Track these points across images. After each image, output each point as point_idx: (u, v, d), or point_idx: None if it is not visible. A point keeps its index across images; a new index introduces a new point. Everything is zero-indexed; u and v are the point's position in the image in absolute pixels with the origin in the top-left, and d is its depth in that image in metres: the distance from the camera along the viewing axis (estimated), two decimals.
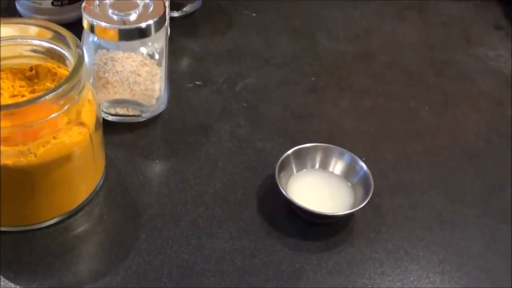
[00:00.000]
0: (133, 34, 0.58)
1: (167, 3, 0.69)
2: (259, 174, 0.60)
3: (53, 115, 0.48)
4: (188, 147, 0.62)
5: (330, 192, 0.57)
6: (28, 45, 0.55)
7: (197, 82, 0.69)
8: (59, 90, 0.48)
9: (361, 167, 0.57)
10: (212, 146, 0.62)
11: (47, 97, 0.47)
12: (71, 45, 0.52)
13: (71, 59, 0.52)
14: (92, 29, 0.58)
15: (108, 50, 0.61)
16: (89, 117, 0.52)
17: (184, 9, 0.79)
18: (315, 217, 0.55)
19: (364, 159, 0.59)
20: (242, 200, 0.57)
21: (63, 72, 0.55)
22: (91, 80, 0.61)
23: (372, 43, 0.79)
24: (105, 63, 0.61)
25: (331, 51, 0.77)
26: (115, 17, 0.58)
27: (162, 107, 0.65)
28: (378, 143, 0.65)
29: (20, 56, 0.56)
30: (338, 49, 0.78)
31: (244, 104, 0.68)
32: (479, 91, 0.74)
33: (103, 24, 0.58)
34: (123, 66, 0.61)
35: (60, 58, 0.55)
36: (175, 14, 0.78)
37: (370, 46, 0.78)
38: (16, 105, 0.47)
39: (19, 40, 0.55)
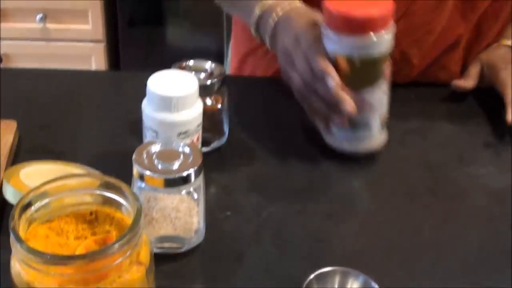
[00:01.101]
0: (177, 182, 0.69)
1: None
2: None
3: (119, 260, 0.57)
4: (224, 274, 0.71)
5: None
6: (91, 195, 0.64)
7: (227, 213, 0.80)
8: (124, 239, 0.57)
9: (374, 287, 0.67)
10: (244, 272, 0.72)
11: (115, 247, 0.56)
12: (129, 197, 0.61)
13: (128, 208, 0.61)
14: (141, 177, 0.69)
15: (148, 190, 0.71)
16: (145, 256, 0.60)
17: (212, 145, 0.90)
18: None
19: (375, 280, 0.68)
20: None
21: (120, 216, 0.63)
22: None
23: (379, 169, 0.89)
24: (148, 201, 0.71)
25: (342, 179, 0.88)
26: (160, 166, 0.69)
27: (200, 238, 0.75)
28: (388, 261, 0.75)
29: (82, 203, 0.64)
30: (348, 177, 0.88)
31: (270, 232, 0.78)
32: (473, 207, 0.84)
33: (149, 173, 0.69)
34: (164, 203, 0.72)
35: (117, 205, 0.63)
36: (204, 149, 0.87)
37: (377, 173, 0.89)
38: (90, 256, 0.56)
39: (83, 191, 0.64)
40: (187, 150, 0.71)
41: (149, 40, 2.35)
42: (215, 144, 0.90)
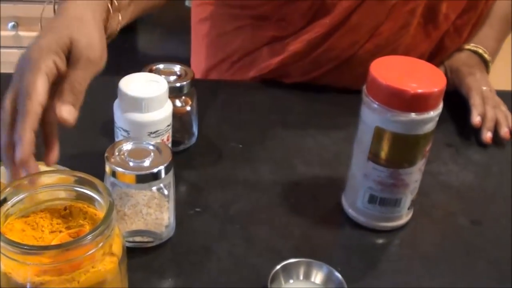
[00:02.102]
0: (147, 178, 0.71)
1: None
2: (254, 286, 0.72)
3: (92, 250, 0.59)
4: (193, 266, 0.74)
5: None
6: (65, 190, 0.66)
7: (197, 209, 0.83)
8: (97, 231, 0.58)
9: (337, 277, 0.71)
10: (213, 264, 0.75)
11: (88, 238, 0.58)
12: (103, 192, 0.64)
13: (102, 202, 0.64)
14: (113, 174, 0.72)
15: (121, 187, 0.74)
16: (117, 247, 0.63)
17: (181, 145, 0.92)
18: None
19: (339, 269, 0.72)
20: None
21: (93, 211, 0.65)
22: None
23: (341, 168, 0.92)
24: (121, 198, 0.74)
25: (307, 175, 0.91)
26: (131, 164, 0.72)
27: (171, 233, 0.77)
28: (350, 253, 0.79)
29: (57, 199, 0.66)
30: (313, 173, 0.92)
31: (237, 226, 0.81)
32: (433, 203, 0.88)
33: (120, 170, 0.71)
34: (136, 200, 0.74)
35: (90, 200, 0.65)
36: (174, 149, 0.89)
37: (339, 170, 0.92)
38: (64, 246, 0.58)
39: (57, 187, 0.66)
40: (157, 148, 0.74)
41: (120, 46, 2.36)
42: (184, 144, 0.93)
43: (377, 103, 0.75)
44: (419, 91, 0.72)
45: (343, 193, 0.85)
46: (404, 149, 0.77)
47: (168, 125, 0.83)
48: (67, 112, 0.70)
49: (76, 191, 0.66)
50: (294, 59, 1.07)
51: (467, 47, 1.11)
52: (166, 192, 0.74)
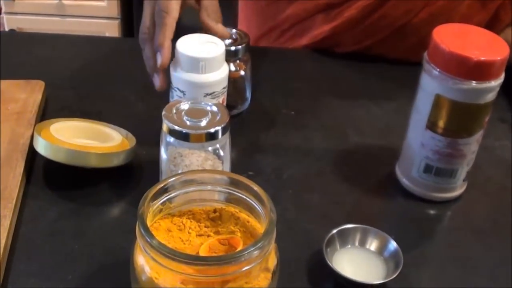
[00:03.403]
0: (204, 137, 0.71)
1: None
2: (307, 251, 0.72)
3: (250, 266, 0.54)
4: None
5: (368, 265, 0.69)
6: (217, 191, 0.62)
7: (250, 173, 0.82)
8: (257, 246, 0.53)
9: (393, 245, 0.70)
10: None
11: (247, 253, 0.53)
12: (266, 203, 0.58)
13: (260, 212, 0.59)
14: (170, 132, 0.71)
15: (176, 146, 0.74)
16: (272, 262, 0.58)
17: (234, 110, 0.92)
18: (356, 286, 0.67)
19: (393, 236, 0.71)
20: (294, 272, 0.69)
21: (244, 217, 0.62)
22: (164, 175, 0.74)
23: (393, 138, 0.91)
24: (174, 157, 0.74)
25: (358, 144, 0.91)
26: (188, 123, 0.72)
27: None
28: (402, 222, 0.78)
29: (207, 200, 0.63)
30: (365, 142, 0.91)
31: (290, 191, 0.81)
32: (486, 177, 0.87)
33: (177, 128, 0.71)
34: (190, 161, 0.74)
35: (243, 205, 0.61)
36: None
37: (391, 140, 0.91)
38: (223, 260, 0.53)
39: (210, 187, 0.62)
40: (214, 108, 0.73)
41: None
42: (237, 109, 0.93)
43: (438, 69, 0.73)
44: (482, 58, 0.71)
45: (397, 163, 0.84)
46: (463, 118, 0.75)
47: (224, 87, 0.82)
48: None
49: (229, 194, 0.62)
50: (347, 26, 1.06)
51: None
52: (222, 153, 0.74)
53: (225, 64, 0.82)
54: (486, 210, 0.82)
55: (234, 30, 0.91)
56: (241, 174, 0.80)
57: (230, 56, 0.86)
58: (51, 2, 2.30)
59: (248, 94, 0.93)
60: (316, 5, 1.07)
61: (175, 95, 0.82)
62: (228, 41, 0.88)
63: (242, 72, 0.91)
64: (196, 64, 0.79)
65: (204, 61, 0.79)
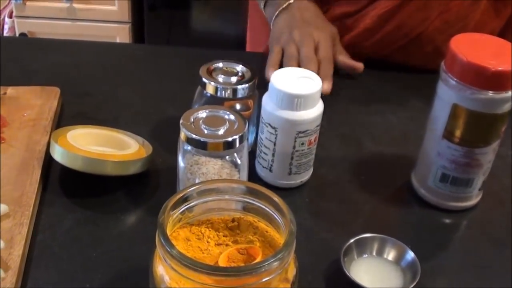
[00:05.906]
0: (221, 146, 0.70)
1: None
2: (324, 260, 0.71)
3: (269, 277, 0.53)
4: None
5: (385, 275, 0.69)
6: (236, 201, 0.62)
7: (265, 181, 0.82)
8: (277, 257, 0.53)
9: (410, 255, 0.70)
10: None
11: (267, 264, 0.53)
12: (286, 214, 0.58)
13: (280, 222, 0.59)
14: (188, 140, 0.71)
15: (193, 154, 0.73)
16: (291, 272, 0.57)
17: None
18: None
19: (410, 246, 0.71)
20: (312, 282, 0.69)
21: (263, 226, 0.61)
22: (181, 182, 0.74)
23: (409, 147, 0.91)
24: (191, 166, 0.74)
25: (374, 152, 0.90)
26: (206, 131, 0.72)
27: None
28: (419, 231, 0.78)
29: (226, 209, 0.62)
30: (381, 150, 0.91)
31: (306, 200, 0.81)
32: (502, 187, 0.86)
33: (195, 136, 0.71)
34: (207, 169, 0.74)
35: (262, 215, 0.61)
36: None
37: (407, 149, 0.91)
38: (243, 271, 0.53)
39: (228, 196, 0.62)
40: (232, 117, 0.73)
41: (173, 22, 2.37)
42: None
43: (455, 79, 0.73)
44: (500, 68, 0.70)
45: (413, 172, 0.84)
46: (480, 128, 0.75)
47: (317, 126, 0.79)
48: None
49: (247, 203, 0.62)
50: (364, 36, 1.06)
51: None
52: (239, 161, 0.74)
53: (321, 101, 0.79)
54: (502, 218, 0.81)
55: (240, 66, 0.85)
56: (257, 182, 0.81)
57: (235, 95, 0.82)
58: (62, 6, 2.30)
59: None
60: (331, 15, 1.07)
61: (265, 131, 0.80)
62: (234, 78, 0.83)
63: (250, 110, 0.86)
64: (291, 101, 0.76)
65: (299, 98, 0.76)
